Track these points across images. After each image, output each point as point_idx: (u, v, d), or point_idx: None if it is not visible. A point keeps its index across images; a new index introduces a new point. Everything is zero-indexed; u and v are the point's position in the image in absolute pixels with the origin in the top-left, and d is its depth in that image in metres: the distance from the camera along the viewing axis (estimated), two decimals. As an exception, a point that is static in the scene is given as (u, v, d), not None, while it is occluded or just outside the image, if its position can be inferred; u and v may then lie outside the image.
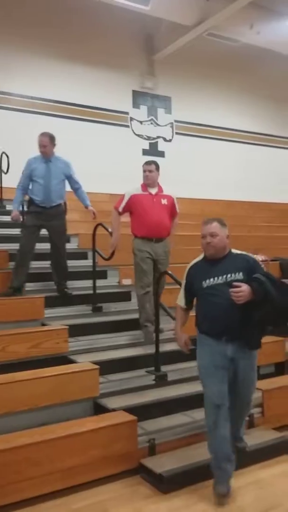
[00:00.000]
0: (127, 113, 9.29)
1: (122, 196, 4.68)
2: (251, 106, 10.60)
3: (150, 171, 4.65)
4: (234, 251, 3.08)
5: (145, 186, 4.65)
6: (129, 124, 9.32)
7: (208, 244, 2.99)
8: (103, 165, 8.66)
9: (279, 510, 2.86)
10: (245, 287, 2.81)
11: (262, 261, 6.60)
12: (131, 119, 9.34)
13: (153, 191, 4.63)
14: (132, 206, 4.59)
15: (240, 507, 2.89)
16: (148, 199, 4.58)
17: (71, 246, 6.45)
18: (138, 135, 9.42)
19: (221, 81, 10.04)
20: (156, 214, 4.51)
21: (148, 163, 4.73)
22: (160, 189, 4.68)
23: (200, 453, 2.96)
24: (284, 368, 4.69)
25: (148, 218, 4.49)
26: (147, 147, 9.47)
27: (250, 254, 3.09)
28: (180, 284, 3.28)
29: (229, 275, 2.93)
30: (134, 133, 9.37)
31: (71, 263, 5.87)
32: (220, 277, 2.95)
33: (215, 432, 2.92)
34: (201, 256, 3.12)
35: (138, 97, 9.41)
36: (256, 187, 10.19)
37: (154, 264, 4.51)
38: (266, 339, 4.68)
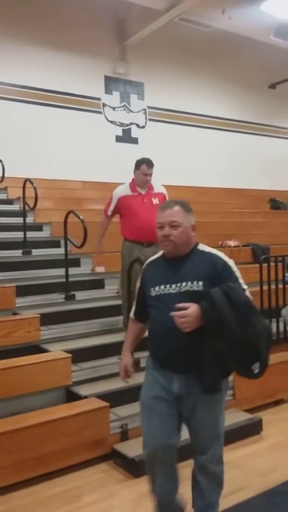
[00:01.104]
0: (99, 99, 9.18)
1: (110, 198, 4.44)
2: (225, 92, 10.61)
3: (151, 174, 4.32)
4: (202, 247, 2.28)
5: (134, 186, 4.36)
6: (102, 110, 9.22)
7: (165, 237, 2.18)
8: (76, 152, 8.57)
9: (249, 490, 2.94)
10: (191, 310, 2.02)
11: (235, 247, 6.71)
12: (104, 105, 9.23)
13: (143, 190, 4.35)
14: (121, 208, 4.34)
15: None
16: (137, 199, 4.29)
17: (43, 234, 6.42)
18: (111, 122, 9.33)
19: (194, 67, 10.01)
20: (146, 216, 4.16)
21: (150, 165, 4.31)
22: (150, 187, 4.39)
23: (172, 437, 3.00)
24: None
25: (138, 220, 4.22)
26: (120, 133, 9.40)
27: (222, 255, 2.25)
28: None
29: (184, 284, 2.14)
30: (107, 119, 9.28)
31: (44, 251, 5.85)
32: (173, 285, 2.16)
33: (155, 482, 2.30)
34: (161, 252, 2.37)
35: (110, 82, 9.30)
36: (229, 173, 10.25)
37: None
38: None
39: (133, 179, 4.42)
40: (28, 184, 6.09)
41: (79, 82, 8.83)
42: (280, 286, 5.08)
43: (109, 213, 4.43)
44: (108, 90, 9.27)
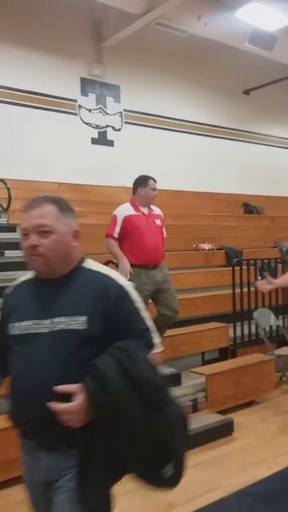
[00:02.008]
0: (75, 100, 9.14)
1: (113, 218, 4.10)
2: (200, 97, 10.71)
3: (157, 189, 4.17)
4: (89, 264, 1.64)
5: (136, 205, 4.13)
6: (78, 112, 9.18)
7: (33, 249, 1.52)
8: (51, 154, 8.50)
9: (220, 491, 2.97)
10: (79, 402, 1.38)
11: (209, 250, 6.77)
12: (80, 106, 9.20)
13: (146, 210, 4.15)
14: (125, 229, 4.05)
15: (183, 489, 2.95)
16: (142, 220, 4.07)
17: (17, 236, 6.30)
18: (87, 124, 9.30)
19: (171, 71, 10.07)
20: (152, 237, 4.03)
21: (155, 180, 4.16)
22: (150, 208, 4.20)
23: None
24: (227, 353, 4.84)
25: (145, 243, 3.99)
26: (96, 135, 9.38)
27: (117, 276, 1.61)
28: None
29: (58, 320, 1.49)
30: (83, 121, 9.24)
31: (17, 253, 5.76)
32: (43, 321, 1.50)
33: None
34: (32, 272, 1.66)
35: (86, 84, 9.27)
36: (204, 177, 10.34)
37: (154, 293, 4.00)
38: (209, 325, 4.87)
39: (133, 199, 4.21)
40: (1, 185, 6.02)
41: (55, 83, 8.77)
42: (253, 289, 5.15)
43: (115, 235, 4.05)
44: (84, 92, 9.24)
